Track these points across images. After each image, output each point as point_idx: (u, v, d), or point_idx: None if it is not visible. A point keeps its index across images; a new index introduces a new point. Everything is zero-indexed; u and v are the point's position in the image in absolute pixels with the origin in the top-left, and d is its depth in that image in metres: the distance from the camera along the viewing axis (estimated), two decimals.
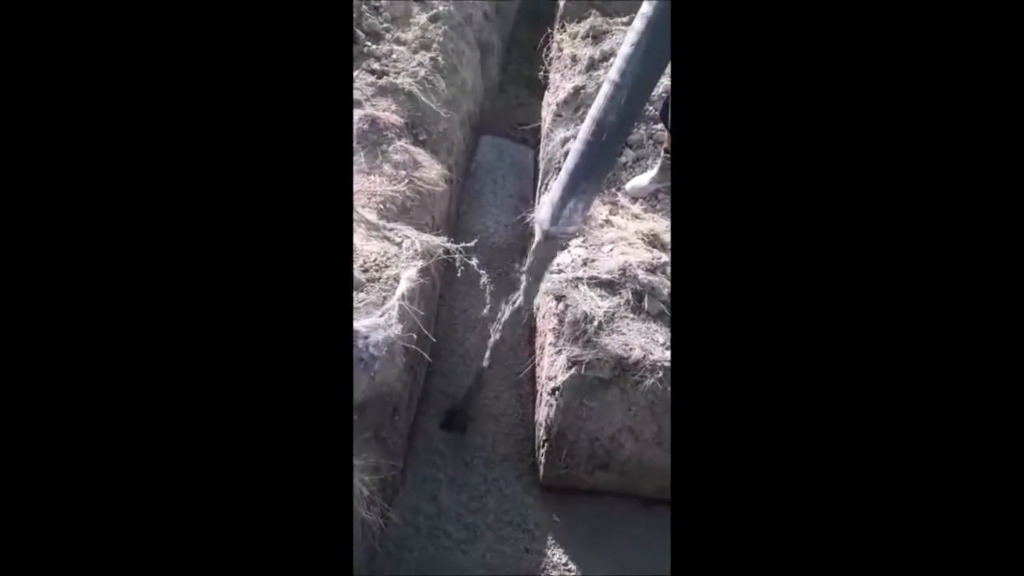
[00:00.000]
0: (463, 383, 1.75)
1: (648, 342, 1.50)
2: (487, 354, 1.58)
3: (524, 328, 1.93)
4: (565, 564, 1.38)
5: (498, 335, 1.55)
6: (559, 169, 1.39)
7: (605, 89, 1.19)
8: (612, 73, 1.17)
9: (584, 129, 1.24)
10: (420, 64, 2.18)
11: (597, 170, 1.28)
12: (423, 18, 2.36)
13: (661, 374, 1.45)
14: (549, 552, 1.39)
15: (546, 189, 1.53)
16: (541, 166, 2.22)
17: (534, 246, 1.40)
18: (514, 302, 1.47)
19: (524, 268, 1.46)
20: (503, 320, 1.51)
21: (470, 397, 1.67)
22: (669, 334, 1.53)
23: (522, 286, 1.46)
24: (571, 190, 1.27)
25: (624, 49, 1.15)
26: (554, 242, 1.36)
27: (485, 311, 1.67)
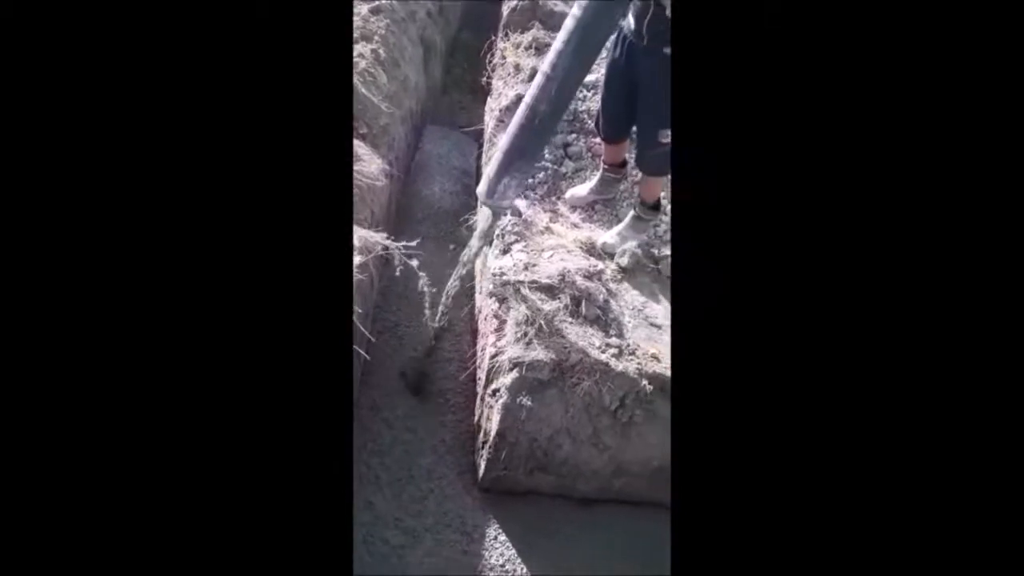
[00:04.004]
0: (398, 384, 1.72)
1: (586, 345, 1.55)
2: (440, 312, 1.65)
3: (466, 330, 1.92)
4: (502, 565, 1.37)
5: (449, 299, 1.63)
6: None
7: (538, 80, 1.32)
8: (544, 66, 1.31)
9: (518, 114, 1.39)
10: (361, 55, 2.11)
11: (529, 152, 1.42)
12: (364, 8, 2.29)
13: (597, 376, 1.50)
14: (486, 554, 1.38)
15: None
16: (484, 170, 2.24)
17: (481, 221, 1.57)
18: (463, 262, 1.62)
19: (474, 233, 1.61)
20: (454, 278, 1.62)
21: (426, 357, 1.74)
22: (604, 338, 1.59)
23: (464, 256, 1.63)
24: (505, 168, 1.41)
25: (556, 44, 1.28)
26: (494, 214, 1.55)
27: (426, 313, 1.68)
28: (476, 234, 1.62)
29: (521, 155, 1.39)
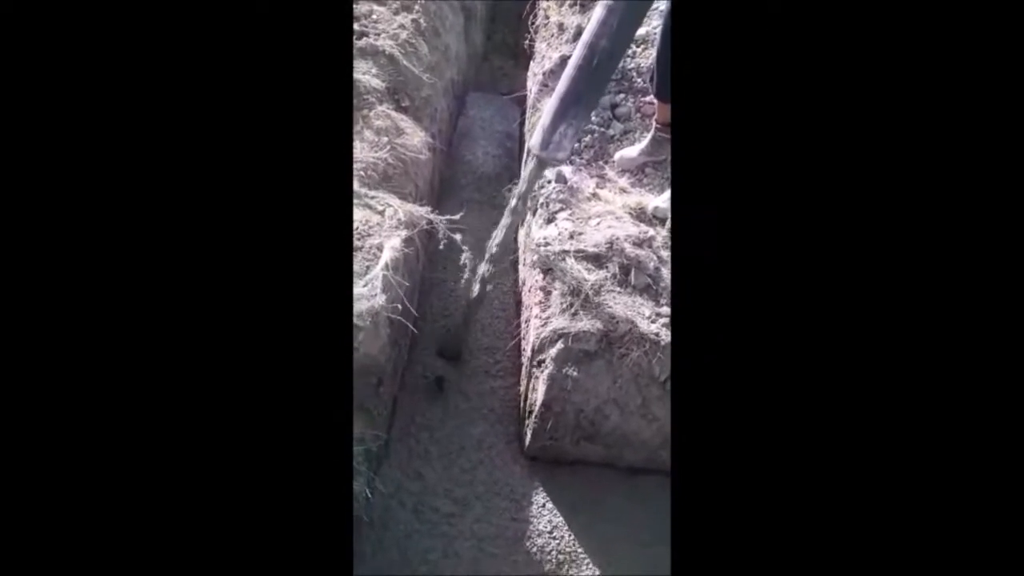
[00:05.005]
0: (443, 359, 1.74)
1: (634, 315, 1.51)
2: (480, 277, 1.59)
3: (511, 301, 1.92)
4: (550, 532, 1.39)
5: (490, 264, 1.56)
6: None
7: (598, 13, 1.21)
8: None
9: (575, 55, 1.25)
10: (402, 26, 2.09)
11: (587, 96, 1.28)
12: None
13: (647, 347, 1.46)
14: (535, 521, 1.40)
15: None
16: (537, 122, 2.19)
17: (527, 171, 1.43)
18: (502, 226, 1.52)
19: (515, 191, 1.50)
20: (496, 243, 1.54)
21: (466, 322, 1.69)
22: (655, 308, 1.54)
23: (509, 206, 1.50)
24: (561, 115, 1.28)
25: None
26: (544, 166, 1.40)
27: (462, 282, 1.67)
28: (515, 194, 1.53)
29: (577, 101, 1.26)
